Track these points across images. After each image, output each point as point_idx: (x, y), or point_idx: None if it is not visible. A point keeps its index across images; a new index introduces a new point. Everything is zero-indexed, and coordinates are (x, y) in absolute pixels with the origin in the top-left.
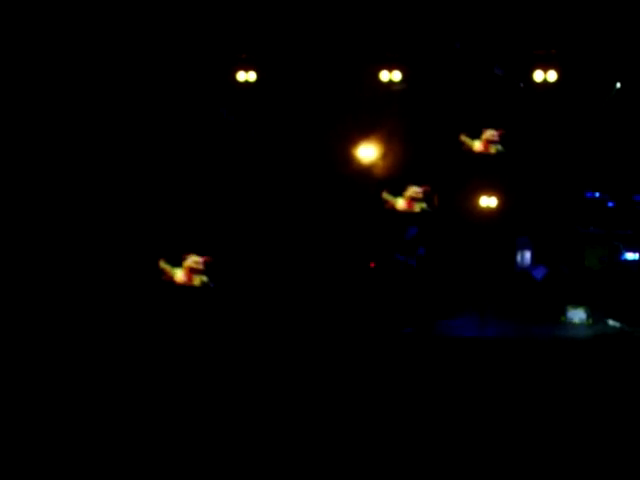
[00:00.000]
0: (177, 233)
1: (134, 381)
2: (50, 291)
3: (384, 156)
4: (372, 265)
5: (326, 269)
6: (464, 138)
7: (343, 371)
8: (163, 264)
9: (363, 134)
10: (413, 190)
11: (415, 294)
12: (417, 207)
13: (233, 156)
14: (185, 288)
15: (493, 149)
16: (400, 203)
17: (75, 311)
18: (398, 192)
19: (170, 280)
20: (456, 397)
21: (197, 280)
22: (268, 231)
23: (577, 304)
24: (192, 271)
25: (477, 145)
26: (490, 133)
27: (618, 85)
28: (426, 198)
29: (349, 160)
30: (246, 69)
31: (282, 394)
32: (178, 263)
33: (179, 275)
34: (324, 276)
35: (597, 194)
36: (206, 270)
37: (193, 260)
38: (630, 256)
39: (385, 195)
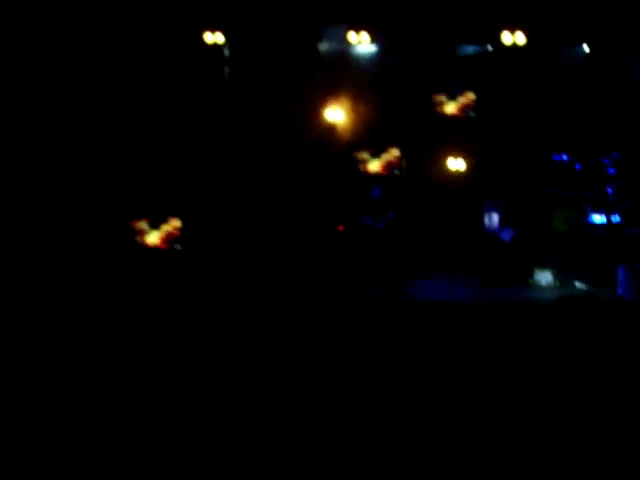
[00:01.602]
0: (146, 196)
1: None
2: (24, 250)
3: (352, 118)
4: (340, 228)
5: (295, 231)
6: (433, 100)
7: (312, 332)
8: (139, 225)
9: (331, 95)
10: (386, 153)
11: (383, 257)
12: (386, 170)
13: (202, 119)
14: (156, 251)
15: (462, 112)
16: (371, 165)
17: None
18: (367, 154)
19: (143, 242)
20: (424, 360)
21: (168, 243)
22: (238, 194)
23: (544, 266)
24: (167, 234)
25: (446, 108)
26: (459, 96)
27: (586, 48)
28: (394, 160)
29: (317, 121)
30: (213, 30)
31: (252, 357)
32: (153, 225)
33: (153, 238)
34: (293, 239)
35: (564, 156)
36: (177, 234)
37: (169, 224)
38: (597, 218)
39: (354, 157)
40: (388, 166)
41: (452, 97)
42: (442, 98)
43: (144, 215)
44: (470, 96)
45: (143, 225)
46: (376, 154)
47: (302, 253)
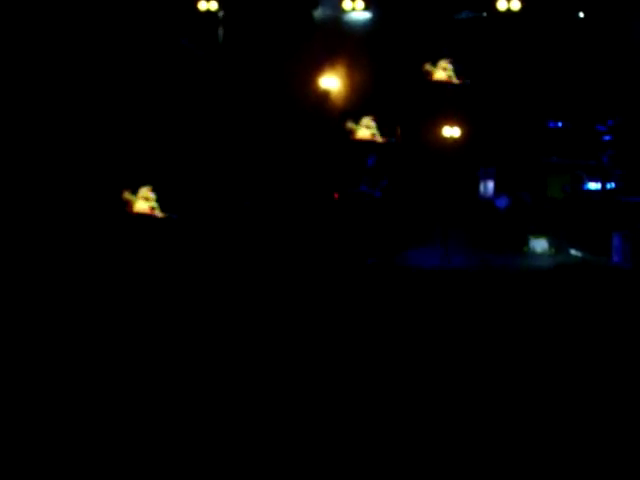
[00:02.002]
0: (141, 164)
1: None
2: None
3: (347, 86)
4: (336, 196)
5: (289, 199)
6: (428, 68)
7: (308, 300)
8: (127, 195)
9: (326, 63)
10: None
11: (380, 225)
12: (381, 137)
13: (196, 86)
14: (148, 219)
15: (456, 79)
16: (364, 132)
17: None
18: (361, 121)
19: (132, 211)
20: (422, 328)
21: (160, 212)
22: (232, 161)
23: (539, 234)
24: (157, 202)
25: (440, 75)
26: (452, 64)
27: (581, 14)
28: (389, 128)
29: (311, 89)
30: None
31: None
32: (141, 195)
33: (143, 206)
34: (287, 206)
35: (560, 124)
36: (171, 202)
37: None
38: (592, 186)
39: (349, 125)
40: (383, 133)
41: (447, 64)
42: (437, 65)
43: (136, 184)
44: (465, 63)
45: (133, 195)
46: (371, 121)
47: (297, 221)
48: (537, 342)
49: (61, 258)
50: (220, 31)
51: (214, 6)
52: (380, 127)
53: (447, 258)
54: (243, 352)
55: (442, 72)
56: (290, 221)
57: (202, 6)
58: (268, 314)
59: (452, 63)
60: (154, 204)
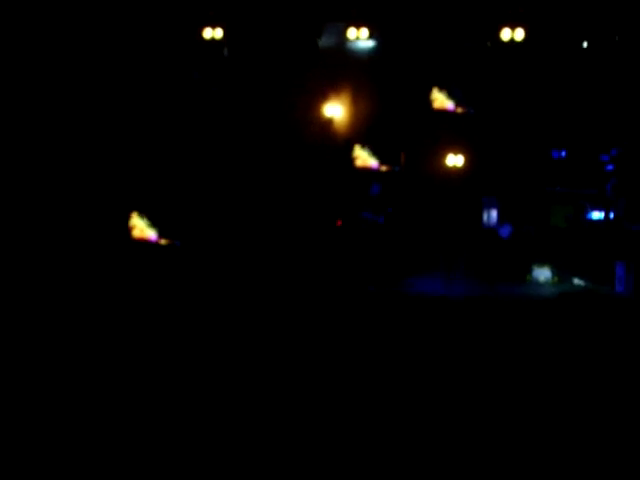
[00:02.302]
0: (145, 191)
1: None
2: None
3: (351, 113)
4: (339, 223)
5: (293, 226)
6: (431, 96)
7: (310, 327)
8: (135, 220)
9: (330, 91)
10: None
11: (382, 252)
12: (384, 165)
13: (200, 113)
14: (152, 245)
15: (460, 108)
16: (368, 160)
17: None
18: (365, 150)
19: (138, 237)
20: (421, 355)
21: (164, 240)
22: (236, 189)
23: (543, 263)
24: (161, 229)
25: (444, 103)
26: (455, 92)
27: (585, 44)
28: (393, 155)
29: (316, 117)
30: (213, 26)
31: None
32: (149, 220)
33: (148, 232)
34: (291, 233)
35: (563, 153)
36: (175, 228)
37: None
38: (596, 215)
39: (354, 152)
40: (387, 161)
41: (451, 93)
42: (441, 94)
43: (141, 210)
44: (469, 92)
45: (139, 220)
46: (375, 150)
47: (301, 248)
48: (539, 371)
49: (65, 284)
50: (224, 55)
51: (219, 34)
52: (384, 155)
53: (450, 286)
54: (243, 377)
55: (446, 101)
56: (293, 247)
57: (207, 34)
58: (269, 338)
59: (456, 92)
60: (157, 230)
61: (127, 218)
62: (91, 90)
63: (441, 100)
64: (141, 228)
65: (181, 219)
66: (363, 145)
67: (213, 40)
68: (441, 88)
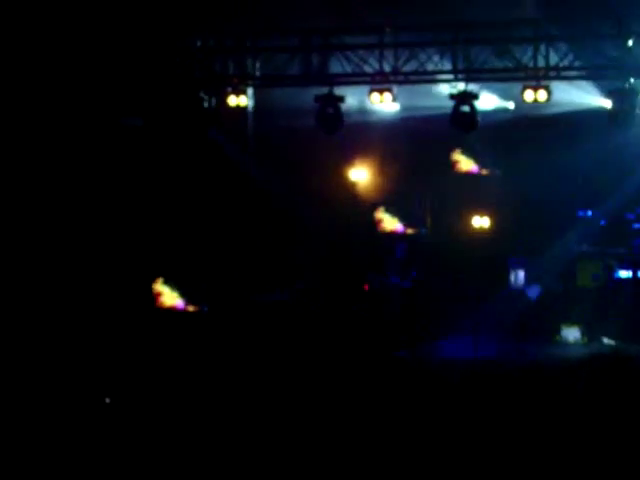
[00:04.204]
0: (171, 257)
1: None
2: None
3: (376, 176)
4: (366, 287)
5: (320, 290)
6: (457, 158)
7: (337, 394)
8: (159, 286)
9: (355, 155)
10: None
11: (409, 315)
12: (410, 228)
13: (226, 178)
14: (178, 312)
15: (485, 170)
16: (393, 223)
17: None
18: (391, 213)
19: (164, 304)
20: (452, 422)
21: (191, 306)
22: (261, 254)
23: (571, 323)
24: (187, 296)
25: (469, 165)
26: (480, 154)
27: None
28: (419, 218)
29: (340, 181)
30: (237, 93)
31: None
32: (174, 287)
33: (174, 299)
34: (317, 298)
35: (589, 212)
36: (201, 294)
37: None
38: (623, 274)
39: (378, 215)
40: (412, 224)
41: (476, 155)
42: (465, 156)
43: (165, 277)
44: (494, 153)
45: (164, 287)
46: (400, 212)
47: (327, 313)
48: (573, 434)
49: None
50: (250, 124)
51: (243, 101)
52: (409, 217)
53: (478, 349)
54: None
55: (470, 162)
56: (320, 312)
57: (232, 101)
58: (297, 406)
59: (480, 153)
60: (184, 296)
61: (151, 285)
62: (110, 157)
63: (465, 161)
64: (167, 294)
65: (207, 284)
66: (388, 208)
67: (238, 107)
68: (466, 149)
